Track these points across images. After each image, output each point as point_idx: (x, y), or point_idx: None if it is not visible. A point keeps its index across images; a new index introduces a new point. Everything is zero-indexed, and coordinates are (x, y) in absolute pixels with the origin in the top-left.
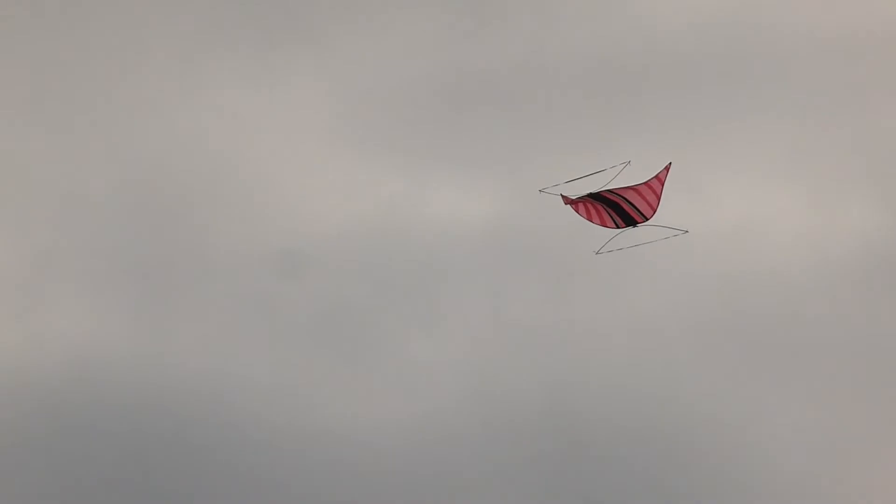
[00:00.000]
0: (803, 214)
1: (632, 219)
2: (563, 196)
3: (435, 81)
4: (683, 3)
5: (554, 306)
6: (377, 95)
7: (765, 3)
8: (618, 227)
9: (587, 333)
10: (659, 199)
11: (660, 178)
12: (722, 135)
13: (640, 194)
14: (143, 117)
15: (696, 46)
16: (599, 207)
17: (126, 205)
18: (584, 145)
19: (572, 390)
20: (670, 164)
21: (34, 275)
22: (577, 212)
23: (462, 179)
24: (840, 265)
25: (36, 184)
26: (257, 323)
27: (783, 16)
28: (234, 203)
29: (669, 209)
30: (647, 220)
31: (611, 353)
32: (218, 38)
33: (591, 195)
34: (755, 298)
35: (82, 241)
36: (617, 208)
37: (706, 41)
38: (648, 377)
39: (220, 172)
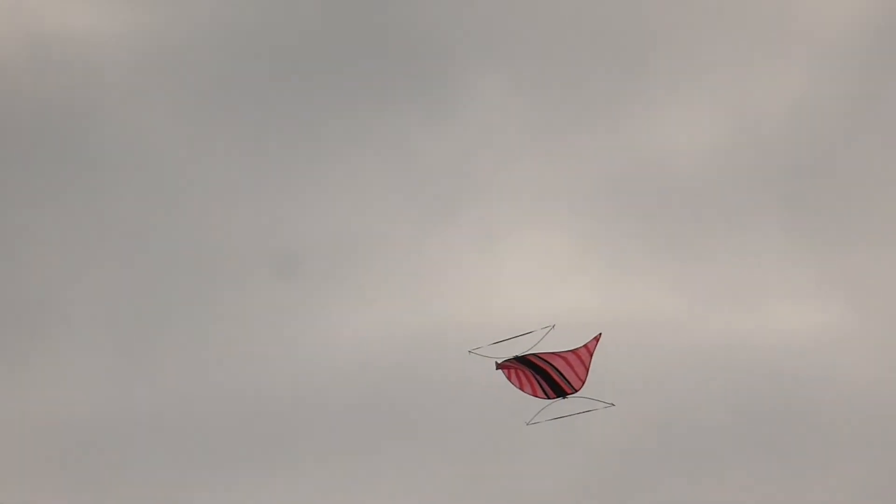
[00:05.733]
0: None
1: (561, 389)
2: (506, 360)
3: None
4: None
5: None
6: None
7: None
8: (548, 398)
9: None
10: (587, 370)
11: (588, 349)
12: None
13: (568, 363)
14: None
15: None
16: (529, 375)
17: None
18: None
19: None
20: (600, 334)
21: None
22: (510, 379)
23: None
24: None
25: None
26: None
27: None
28: None
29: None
30: (576, 391)
31: None
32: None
33: (518, 358)
34: None
35: None
36: (545, 376)
37: None
38: None
39: None
